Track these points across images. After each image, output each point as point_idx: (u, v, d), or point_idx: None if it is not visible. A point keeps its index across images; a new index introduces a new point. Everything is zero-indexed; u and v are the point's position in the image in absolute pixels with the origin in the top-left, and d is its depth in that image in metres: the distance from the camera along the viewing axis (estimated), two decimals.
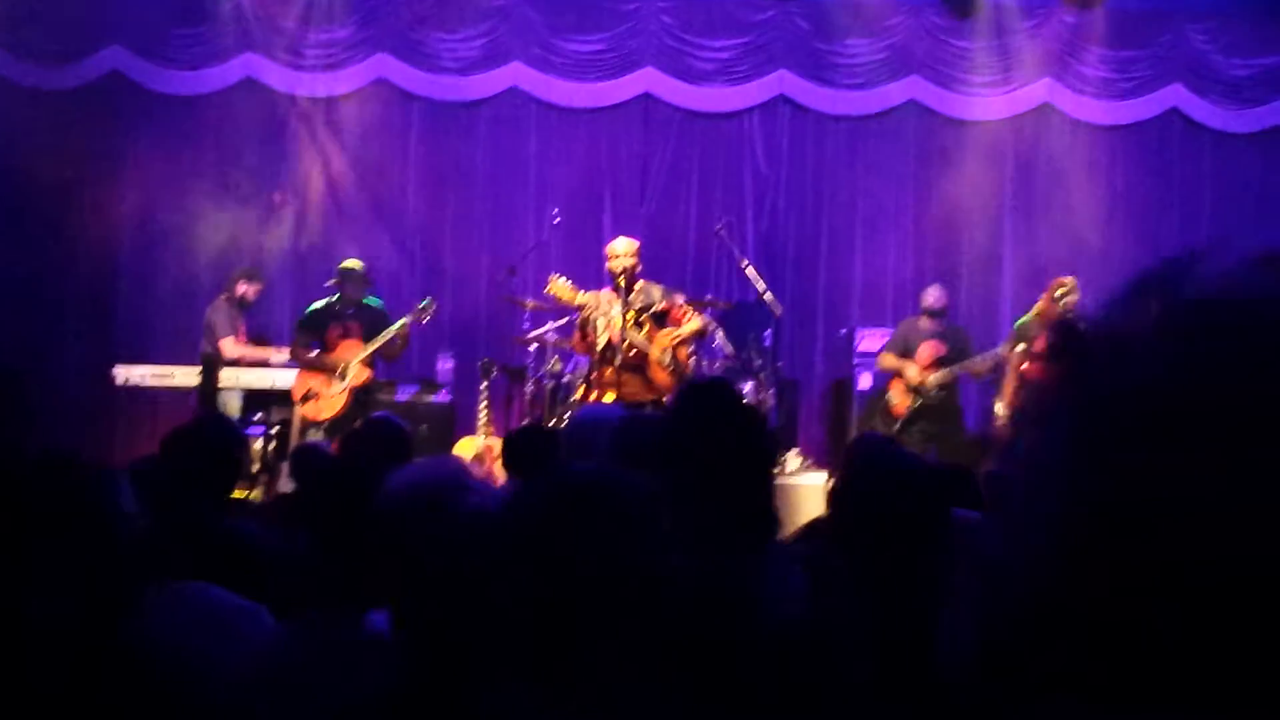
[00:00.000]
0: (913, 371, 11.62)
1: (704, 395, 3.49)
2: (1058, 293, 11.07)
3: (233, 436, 4.93)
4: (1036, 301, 11.40)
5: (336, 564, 3.10)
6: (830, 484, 3.59)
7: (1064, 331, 0.86)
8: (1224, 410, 0.74)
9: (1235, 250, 0.80)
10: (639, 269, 10.22)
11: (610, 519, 2.07)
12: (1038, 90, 13.62)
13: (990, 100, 13.67)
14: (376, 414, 6.74)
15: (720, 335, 11.81)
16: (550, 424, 10.52)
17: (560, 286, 10.11)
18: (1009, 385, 11.09)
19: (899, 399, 11.69)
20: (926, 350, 11.69)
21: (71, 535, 2.60)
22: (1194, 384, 0.75)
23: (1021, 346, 11.08)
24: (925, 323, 11.87)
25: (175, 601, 3.22)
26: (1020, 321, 11.48)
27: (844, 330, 13.25)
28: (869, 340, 12.70)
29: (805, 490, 10.84)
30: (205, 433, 4.79)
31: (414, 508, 2.22)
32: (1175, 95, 13.67)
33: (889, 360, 11.85)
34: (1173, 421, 0.75)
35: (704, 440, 3.23)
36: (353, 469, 3.54)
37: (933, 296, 11.92)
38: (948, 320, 11.98)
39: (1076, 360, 0.83)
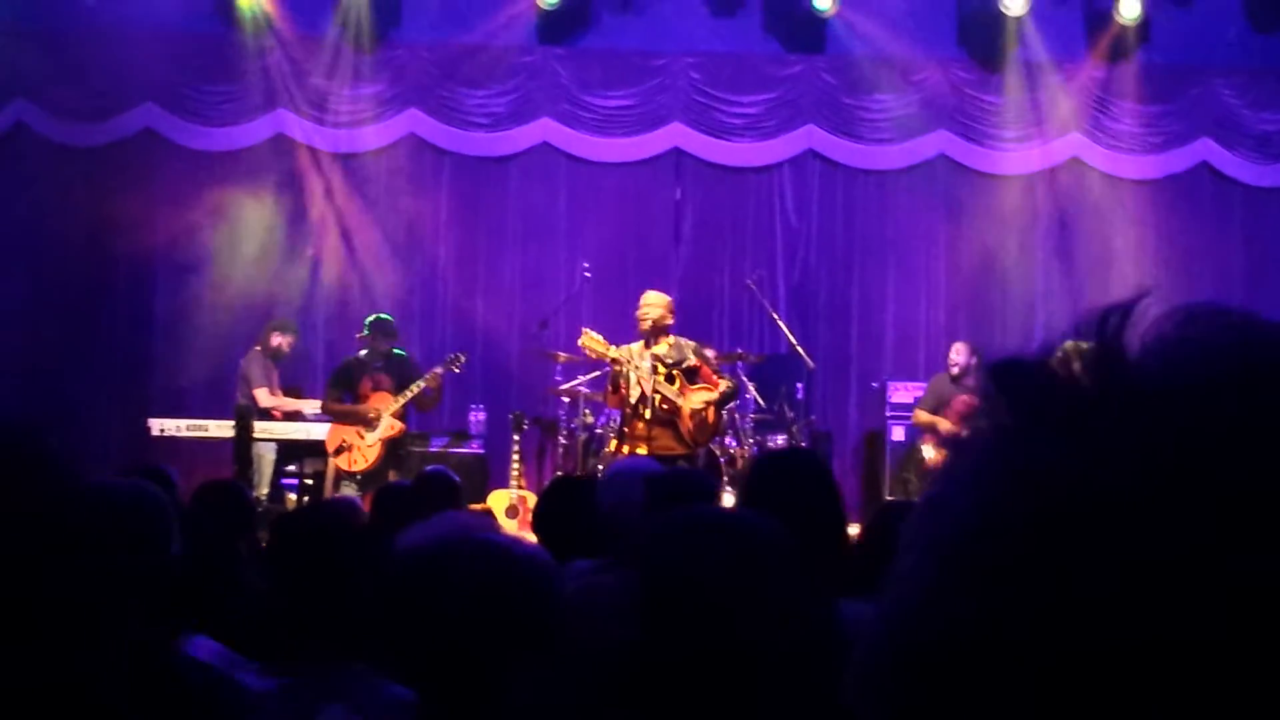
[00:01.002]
0: (944, 426, 11.61)
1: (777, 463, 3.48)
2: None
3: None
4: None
5: (310, 614, 3.07)
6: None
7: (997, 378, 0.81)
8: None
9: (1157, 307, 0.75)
10: (670, 323, 10.19)
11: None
12: (1067, 144, 13.63)
13: (1019, 154, 13.69)
14: (430, 467, 6.67)
15: (752, 389, 11.81)
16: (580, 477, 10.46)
17: (593, 340, 10.08)
18: None
19: (933, 453, 11.67)
20: (960, 404, 11.68)
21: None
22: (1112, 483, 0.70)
23: None
24: (961, 378, 11.87)
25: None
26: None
27: (876, 383, 13.22)
28: (902, 393, 12.68)
29: None
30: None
31: (429, 564, 2.19)
32: (1205, 149, 13.66)
33: (922, 416, 11.87)
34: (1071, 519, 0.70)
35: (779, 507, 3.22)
36: (334, 522, 3.48)
37: (953, 355, 11.92)
38: (977, 374, 11.94)
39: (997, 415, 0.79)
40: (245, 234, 13.00)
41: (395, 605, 2.18)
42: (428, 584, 2.13)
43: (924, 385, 12.51)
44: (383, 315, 11.41)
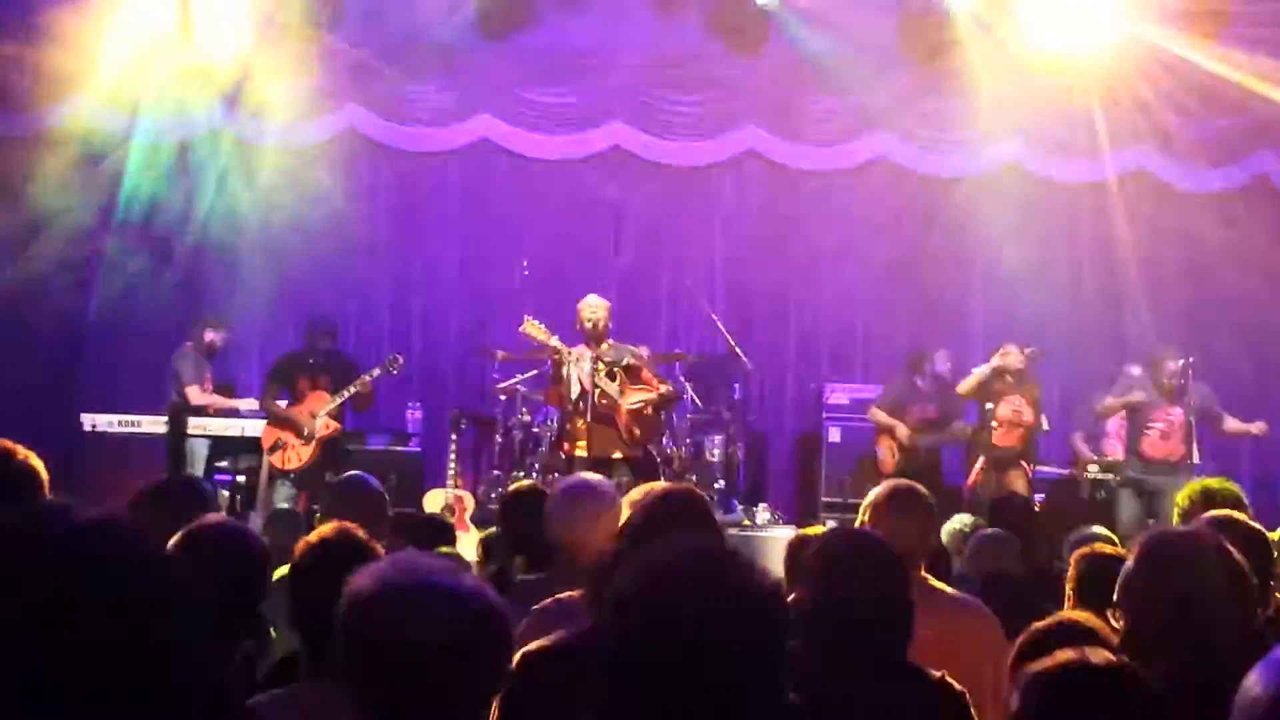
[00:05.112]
0: (903, 432, 11.63)
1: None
2: (1001, 359, 11.32)
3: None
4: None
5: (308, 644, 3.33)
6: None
7: None
8: None
9: None
10: (610, 326, 10.19)
11: None
12: (1005, 148, 13.66)
13: (957, 158, 13.72)
14: (350, 474, 6.45)
15: (689, 389, 11.82)
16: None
17: (534, 327, 10.07)
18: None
19: (887, 455, 11.69)
20: (918, 411, 11.72)
21: None
22: None
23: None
24: (923, 384, 11.87)
25: None
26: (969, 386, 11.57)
27: (813, 384, 13.26)
28: (838, 394, 12.73)
29: (773, 543, 10.82)
30: None
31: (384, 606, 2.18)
32: (1141, 154, 13.72)
33: (880, 416, 11.83)
34: None
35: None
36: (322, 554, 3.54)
37: (941, 362, 11.92)
38: (946, 385, 11.94)
39: None
40: (180, 229, 12.84)
41: (353, 649, 2.16)
42: (387, 631, 2.12)
43: (862, 386, 12.57)
44: (320, 314, 11.36)
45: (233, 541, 3.59)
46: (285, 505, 10.12)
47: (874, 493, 4.74)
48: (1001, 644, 4.43)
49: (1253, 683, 1.62)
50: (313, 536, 3.52)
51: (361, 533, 3.52)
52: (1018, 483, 11.25)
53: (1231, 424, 11.75)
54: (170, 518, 4.81)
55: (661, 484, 4.01)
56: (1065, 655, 2.43)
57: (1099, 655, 2.46)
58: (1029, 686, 2.39)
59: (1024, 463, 11.41)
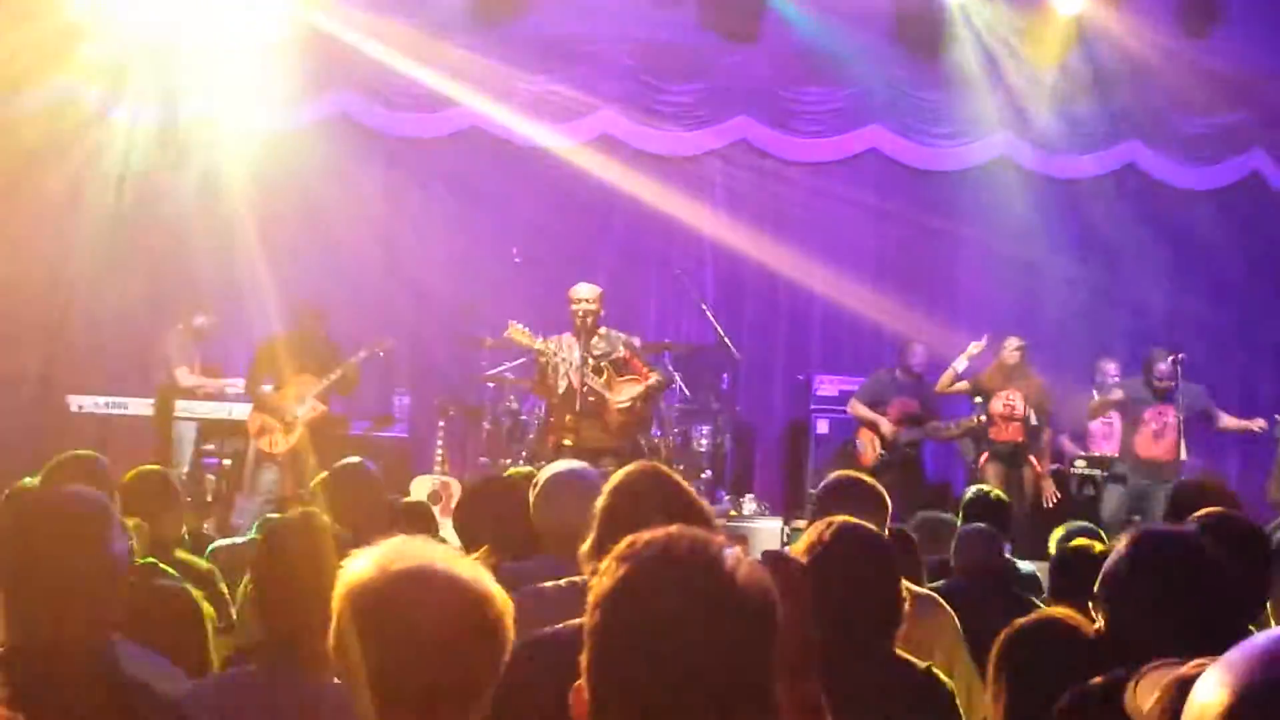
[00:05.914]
0: (886, 427, 11.62)
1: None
2: (1004, 352, 11.37)
3: None
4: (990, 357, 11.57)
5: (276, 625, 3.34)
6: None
7: None
8: None
9: None
10: (602, 315, 10.07)
11: None
12: (996, 143, 13.66)
13: (949, 151, 13.72)
14: (348, 460, 6.41)
15: (678, 379, 11.81)
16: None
17: (518, 332, 9.95)
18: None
19: (867, 449, 11.68)
20: (899, 405, 11.71)
21: None
22: None
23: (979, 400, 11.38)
24: (901, 377, 11.87)
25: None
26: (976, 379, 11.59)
27: (802, 375, 13.24)
28: (827, 386, 12.72)
29: (761, 534, 10.83)
30: None
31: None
32: (1132, 151, 13.73)
33: (861, 409, 11.81)
34: None
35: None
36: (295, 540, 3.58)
37: (917, 355, 11.90)
38: (923, 378, 11.94)
39: None
40: (173, 212, 12.79)
41: (351, 635, 2.17)
42: (387, 617, 2.13)
43: (850, 378, 12.54)
44: (308, 298, 11.35)
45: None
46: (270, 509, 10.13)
47: (821, 484, 4.78)
48: (957, 636, 4.46)
49: (1210, 685, 1.35)
50: (274, 528, 3.53)
51: (324, 521, 3.51)
52: (1025, 479, 11.30)
53: (1228, 420, 11.79)
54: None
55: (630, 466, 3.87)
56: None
57: None
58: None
59: (1032, 458, 11.42)
